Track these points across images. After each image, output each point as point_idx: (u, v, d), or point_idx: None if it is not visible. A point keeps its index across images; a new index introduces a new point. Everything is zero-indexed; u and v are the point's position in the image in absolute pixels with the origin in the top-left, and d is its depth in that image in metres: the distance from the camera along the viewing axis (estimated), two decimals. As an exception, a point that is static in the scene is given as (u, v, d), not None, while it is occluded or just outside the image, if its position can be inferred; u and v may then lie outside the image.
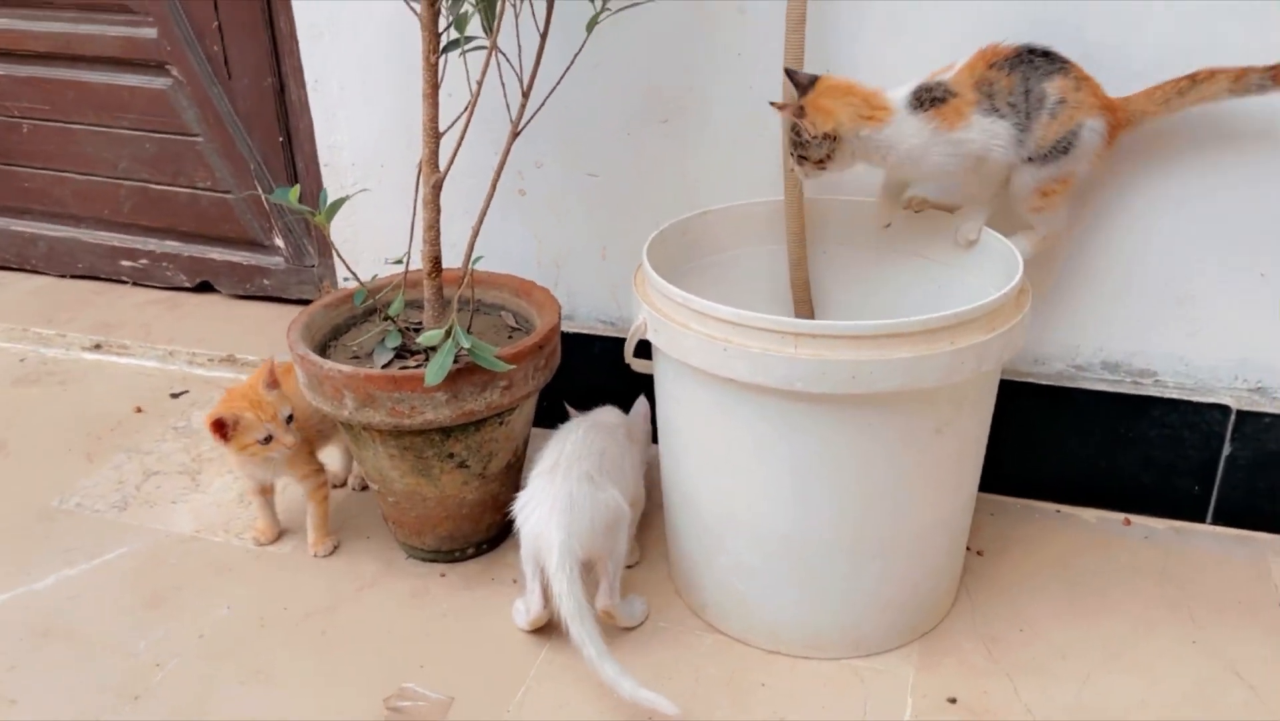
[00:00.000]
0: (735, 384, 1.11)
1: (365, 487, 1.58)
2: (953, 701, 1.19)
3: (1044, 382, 1.47)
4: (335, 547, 1.48)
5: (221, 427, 1.32)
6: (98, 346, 2.06)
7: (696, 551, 1.29)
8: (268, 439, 1.34)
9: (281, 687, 1.24)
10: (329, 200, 1.23)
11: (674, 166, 1.54)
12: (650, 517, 1.46)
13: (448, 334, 1.20)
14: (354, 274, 1.34)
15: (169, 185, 2.14)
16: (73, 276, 2.31)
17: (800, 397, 1.08)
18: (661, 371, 1.25)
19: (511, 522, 1.27)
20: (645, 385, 1.36)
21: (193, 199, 2.14)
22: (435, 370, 1.20)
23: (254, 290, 2.17)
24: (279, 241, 2.11)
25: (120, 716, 1.20)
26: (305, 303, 2.09)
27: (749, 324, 1.07)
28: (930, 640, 1.28)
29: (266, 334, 2.03)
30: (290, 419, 1.36)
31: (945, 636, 1.28)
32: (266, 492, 1.47)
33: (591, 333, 1.66)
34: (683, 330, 1.13)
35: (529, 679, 1.24)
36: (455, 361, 1.23)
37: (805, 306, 1.44)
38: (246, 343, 2.02)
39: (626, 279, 1.63)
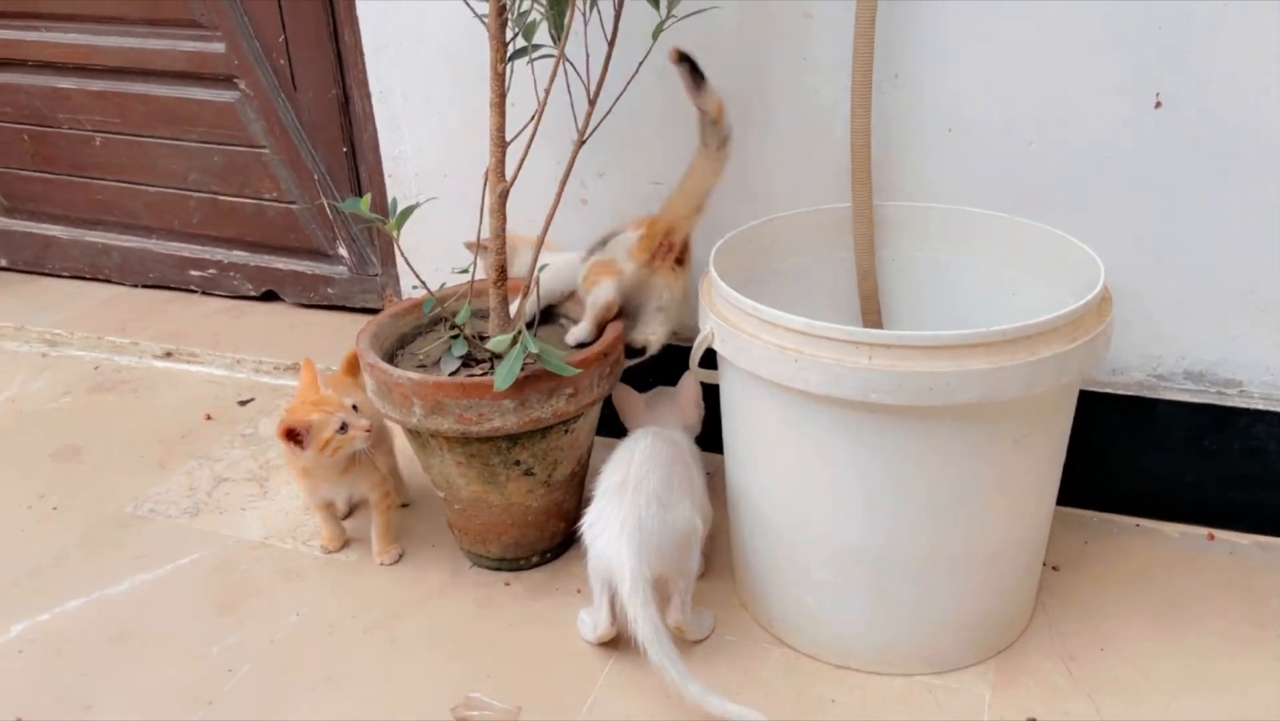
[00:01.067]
0: (806, 395, 1.09)
1: (404, 505, 1.59)
2: (1032, 721, 1.15)
3: (1123, 393, 1.43)
4: (400, 556, 1.48)
5: (295, 435, 1.32)
6: (168, 354, 2.10)
7: (764, 564, 1.27)
8: (343, 427, 1.34)
9: (351, 695, 1.25)
10: (399, 209, 1.23)
11: (738, 174, 1.52)
12: (715, 526, 1.44)
13: (515, 339, 1.20)
14: (423, 282, 1.35)
15: (236, 196, 2.18)
16: (144, 286, 2.36)
17: (874, 409, 1.06)
18: (728, 382, 1.24)
19: (575, 531, 1.26)
20: (709, 397, 1.34)
21: (259, 210, 2.17)
22: (504, 375, 1.20)
23: (318, 299, 2.19)
24: (343, 251, 2.14)
25: (194, 721, 1.22)
26: (368, 311, 2.12)
27: (822, 334, 1.06)
28: (1007, 658, 1.25)
29: (330, 342, 2.05)
30: (355, 407, 1.37)
31: (1022, 654, 1.25)
32: (330, 506, 1.48)
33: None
34: (751, 340, 1.12)
35: (596, 688, 1.23)
36: (522, 368, 1.22)
37: (874, 317, 1.41)
38: (311, 350, 2.03)
39: (691, 288, 1.62)
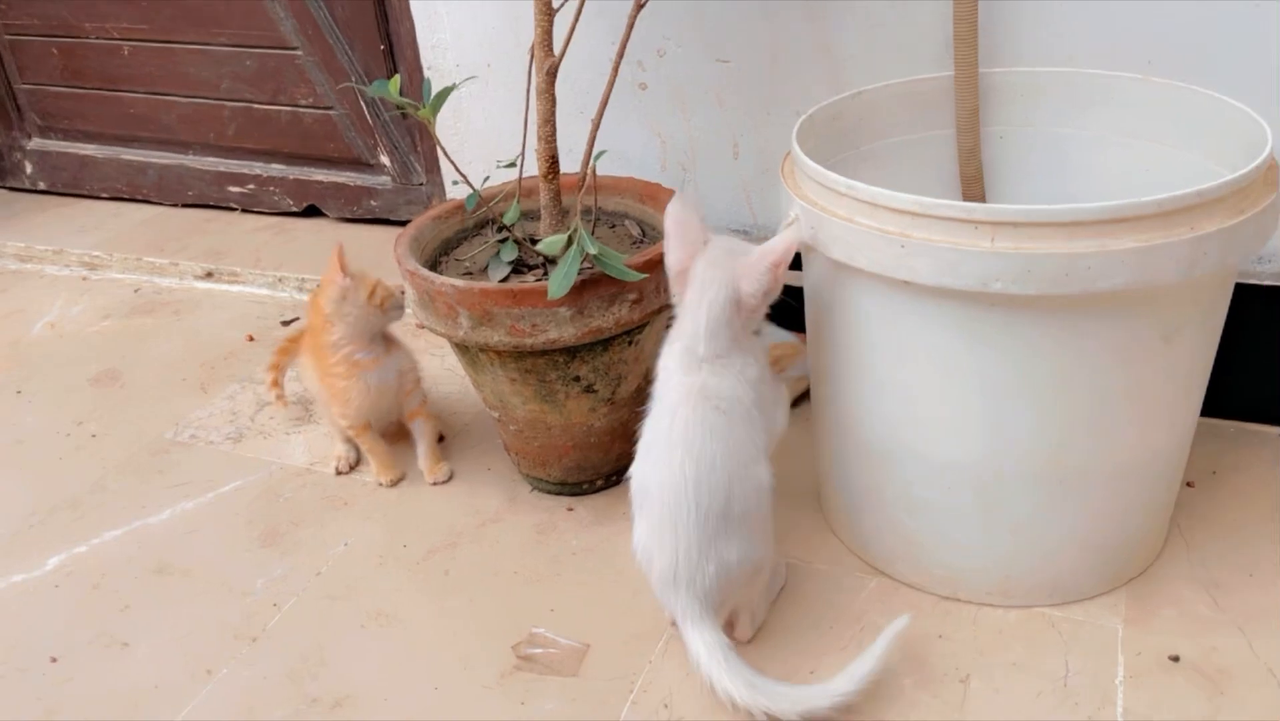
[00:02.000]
0: (914, 287, 0.93)
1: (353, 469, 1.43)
2: (1175, 660, 1.00)
3: (1271, 284, 1.23)
4: (450, 475, 1.37)
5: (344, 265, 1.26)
6: (209, 275, 2.00)
7: (857, 483, 1.13)
8: (374, 291, 1.28)
9: (404, 631, 1.14)
10: (433, 92, 1.08)
11: (818, 47, 1.34)
12: (796, 442, 1.30)
13: (571, 240, 1.05)
14: (464, 176, 1.20)
15: (271, 104, 2.05)
16: (183, 205, 2.26)
17: (996, 301, 0.90)
18: (816, 276, 1.08)
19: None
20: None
21: (295, 118, 2.04)
22: (559, 281, 1.06)
23: (361, 212, 2.07)
24: (385, 160, 2.00)
25: (239, 659, 1.12)
26: (414, 223, 1.98)
27: (934, 213, 0.89)
28: (1140, 586, 1.09)
29: (375, 256, 1.92)
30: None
31: (1158, 581, 1.09)
32: (369, 430, 1.37)
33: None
34: (846, 225, 0.95)
35: (669, 622, 1.10)
36: (580, 273, 1.08)
37: (978, 202, 1.23)
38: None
39: (761, 180, 1.46)
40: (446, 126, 1.67)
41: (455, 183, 1.23)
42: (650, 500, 0.99)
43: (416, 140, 1.95)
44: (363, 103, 1.95)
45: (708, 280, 0.98)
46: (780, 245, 0.97)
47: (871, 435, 1.07)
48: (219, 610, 1.20)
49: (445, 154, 1.20)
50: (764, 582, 1.06)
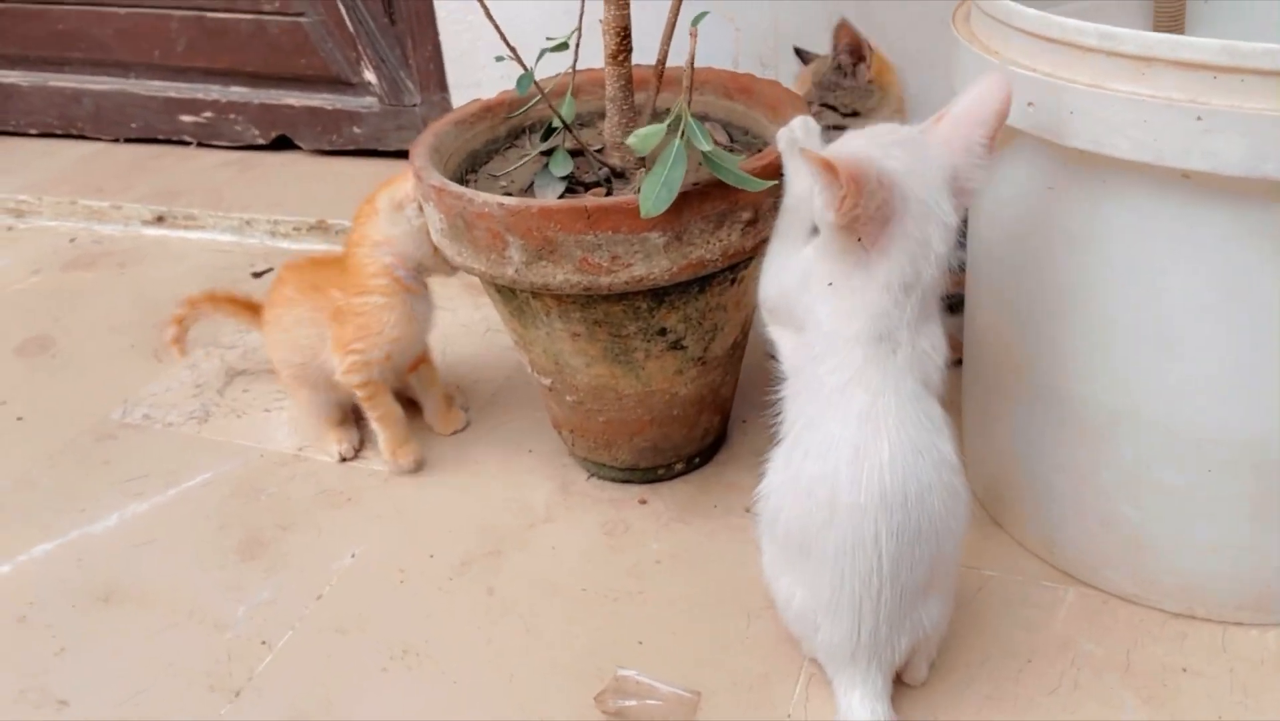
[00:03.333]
0: (1203, 181, 0.63)
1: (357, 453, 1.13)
2: None
3: None
4: (468, 421, 1.13)
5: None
6: (160, 219, 1.69)
7: (1053, 465, 0.84)
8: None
9: (441, 676, 0.85)
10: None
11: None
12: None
13: (676, 129, 0.74)
14: (513, 51, 0.87)
15: (227, 11, 1.74)
16: (126, 140, 1.94)
17: (1344, 199, 0.60)
18: (1012, 177, 0.77)
19: (728, 429, 0.83)
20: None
21: (258, 28, 1.72)
22: (656, 191, 0.75)
23: (342, 143, 1.76)
24: (369, 76, 1.67)
25: (217, 723, 0.82)
26: (406, 156, 1.66)
27: (1258, 66, 0.59)
28: None
29: (362, 193, 1.60)
30: None
31: None
32: (381, 392, 1.06)
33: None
34: (1098, 94, 0.65)
35: (806, 660, 0.81)
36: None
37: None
38: (339, 206, 1.61)
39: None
40: (453, 19, 1.34)
41: (500, 58, 0.89)
42: (813, 562, 0.70)
43: (409, 49, 1.62)
44: (340, 5, 1.62)
45: (921, 190, 0.65)
46: (995, 86, 0.66)
47: (1089, 400, 0.78)
48: (187, 651, 0.89)
49: (490, 16, 0.86)
50: (949, 616, 0.77)
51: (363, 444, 1.13)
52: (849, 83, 1.08)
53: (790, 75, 1.17)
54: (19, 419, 1.24)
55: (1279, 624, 0.81)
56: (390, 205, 1.02)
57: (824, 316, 0.69)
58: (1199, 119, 0.61)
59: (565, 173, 0.93)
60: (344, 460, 1.10)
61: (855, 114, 1.08)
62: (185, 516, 1.05)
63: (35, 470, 1.14)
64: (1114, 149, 0.66)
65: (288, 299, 1.09)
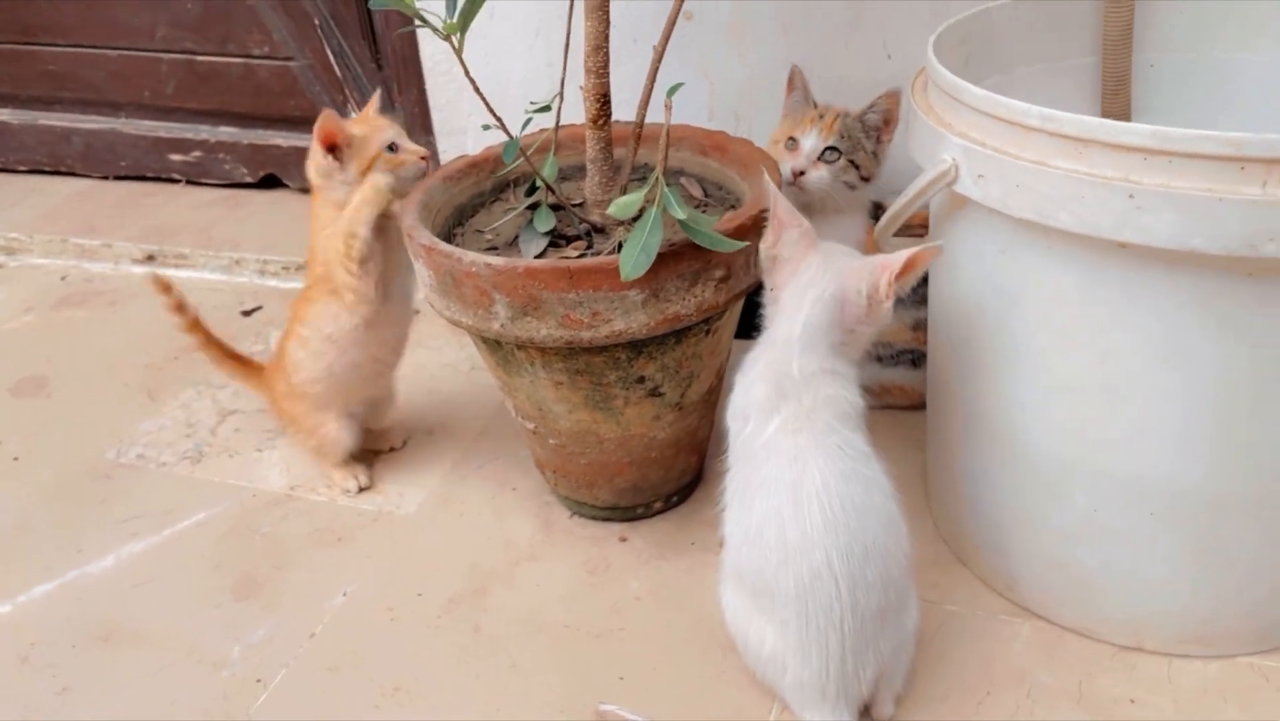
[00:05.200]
0: (1137, 253, 0.68)
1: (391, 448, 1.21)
2: None
3: None
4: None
5: (333, 147, 1.03)
6: (150, 258, 1.71)
7: (1010, 508, 0.89)
8: (393, 147, 1.04)
9: (431, 713, 0.88)
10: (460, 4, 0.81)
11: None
12: (907, 456, 1.06)
13: (650, 198, 0.79)
14: (499, 121, 0.92)
15: (218, 55, 1.76)
16: (116, 178, 1.96)
17: (1264, 269, 0.66)
18: (966, 240, 0.83)
19: (704, 468, 0.95)
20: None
21: (247, 71, 1.75)
22: (636, 256, 0.80)
23: (330, 182, 1.77)
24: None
25: (215, 761, 0.86)
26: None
27: (1184, 149, 0.64)
28: (1372, 627, 0.87)
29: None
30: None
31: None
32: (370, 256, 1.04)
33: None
34: (1040, 171, 0.71)
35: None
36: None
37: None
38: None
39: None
40: (440, 72, 1.39)
41: (487, 127, 0.95)
42: (779, 603, 0.76)
43: (395, 95, 1.66)
44: (328, 51, 1.66)
45: (818, 273, 0.79)
46: (905, 256, 0.76)
47: (1041, 449, 0.83)
48: (186, 690, 0.93)
49: (478, 91, 0.91)
50: (911, 650, 0.82)
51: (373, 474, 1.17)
52: (871, 145, 1.07)
53: (764, 130, 1.22)
54: (15, 458, 1.26)
55: (1220, 656, 0.86)
56: (317, 174, 1.05)
57: (738, 393, 0.82)
58: (1131, 196, 0.67)
59: (548, 228, 0.97)
60: (363, 490, 1.14)
61: (866, 180, 1.08)
62: (181, 556, 1.09)
63: (33, 510, 1.17)
64: (1056, 221, 0.71)
65: (307, 298, 1.10)
